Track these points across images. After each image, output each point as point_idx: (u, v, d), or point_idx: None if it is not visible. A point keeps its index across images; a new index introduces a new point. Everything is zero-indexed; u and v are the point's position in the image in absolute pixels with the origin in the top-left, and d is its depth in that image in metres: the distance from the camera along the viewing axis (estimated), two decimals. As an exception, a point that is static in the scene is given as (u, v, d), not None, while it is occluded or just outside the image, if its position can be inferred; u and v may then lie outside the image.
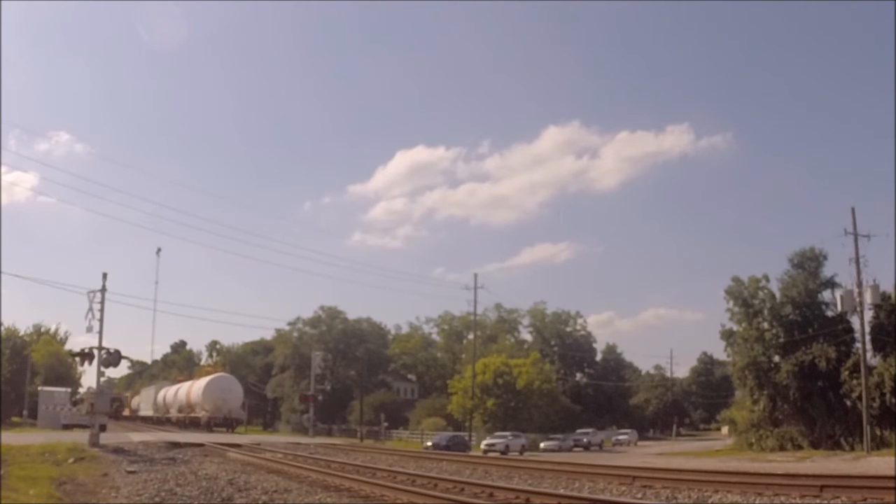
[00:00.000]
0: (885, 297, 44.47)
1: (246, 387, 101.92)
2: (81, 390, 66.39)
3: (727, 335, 54.38)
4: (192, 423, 66.70)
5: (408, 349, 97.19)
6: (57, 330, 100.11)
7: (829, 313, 49.70)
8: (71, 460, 24.99)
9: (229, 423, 66.08)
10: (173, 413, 74.64)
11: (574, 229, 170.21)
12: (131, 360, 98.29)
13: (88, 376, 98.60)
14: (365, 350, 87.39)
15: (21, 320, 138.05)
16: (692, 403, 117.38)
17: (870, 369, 42.46)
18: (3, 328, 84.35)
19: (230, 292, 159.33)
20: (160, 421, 77.51)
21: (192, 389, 71.37)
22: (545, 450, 56.84)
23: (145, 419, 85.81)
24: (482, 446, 52.97)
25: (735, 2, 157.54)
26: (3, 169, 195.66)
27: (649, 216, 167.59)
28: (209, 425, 63.90)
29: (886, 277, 46.00)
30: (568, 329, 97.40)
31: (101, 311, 34.82)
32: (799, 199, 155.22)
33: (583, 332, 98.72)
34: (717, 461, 34.41)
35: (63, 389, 64.27)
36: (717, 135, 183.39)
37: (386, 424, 68.92)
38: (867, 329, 43.30)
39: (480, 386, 67.13)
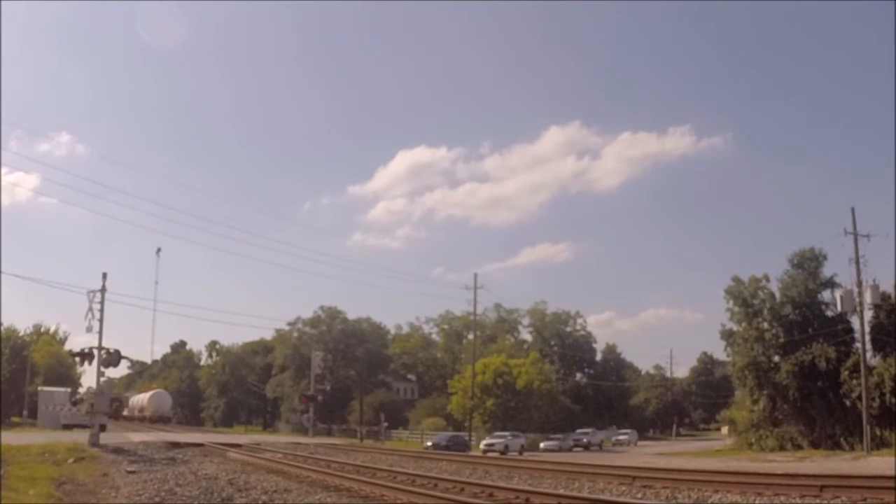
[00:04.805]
0: (885, 297, 44.46)
1: (246, 387, 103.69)
2: (81, 390, 66.39)
3: (727, 335, 54.33)
4: (144, 419, 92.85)
5: (408, 349, 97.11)
6: (57, 330, 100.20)
7: (829, 313, 49.65)
8: (71, 460, 24.99)
9: (164, 420, 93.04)
10: (136, 413, 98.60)
11: (574, 229, 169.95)
12: (131, 360, 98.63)
13: (88, 376, 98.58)
14: (365, 350, 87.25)
15: (21, 320, 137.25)
16: (692, 403, 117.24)
17: (870, 369, 42.43)
18: (3, 328, 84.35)
19: (230, 292, 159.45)
20: (130, 419, 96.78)
21: (143, 398, 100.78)
22: (545, 450, 56.72)
23: (124, 417, 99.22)
24: (481, 446, 52.95)
25: (735, 2, 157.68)
26: (5, 170, 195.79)
27: (649, 217, 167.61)
28: (152, 420, 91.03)
29: (886, 277, 45.89)
30: (568, 329, 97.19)
31: (101, 311, 34.92)
32: (799, 199, 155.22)
33: (583, 332, 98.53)
34: (716, 461, 34.42)
35: (63, 389, 64.33)
36: (717, 136, 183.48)
37: (386, 424, 68.89)
38: (867, 329, 43.31)
39: (480, 386, 67.09)
